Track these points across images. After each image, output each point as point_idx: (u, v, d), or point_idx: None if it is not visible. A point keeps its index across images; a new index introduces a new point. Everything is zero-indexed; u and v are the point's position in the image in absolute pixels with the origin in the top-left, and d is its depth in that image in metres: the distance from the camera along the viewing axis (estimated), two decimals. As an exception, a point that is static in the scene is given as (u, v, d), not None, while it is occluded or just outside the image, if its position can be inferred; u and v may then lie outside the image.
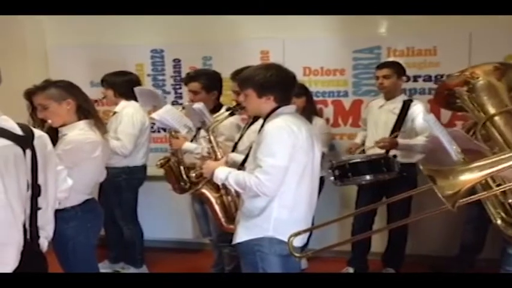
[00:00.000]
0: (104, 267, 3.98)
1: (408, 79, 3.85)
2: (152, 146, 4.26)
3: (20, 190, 1.66)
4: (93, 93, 3.57)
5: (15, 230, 1.66)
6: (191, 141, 3.42)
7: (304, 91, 3.73)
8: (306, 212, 2.44)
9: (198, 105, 3.11)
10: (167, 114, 3.23)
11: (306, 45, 4.12)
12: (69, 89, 2.65)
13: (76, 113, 2.64)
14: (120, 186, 3.78)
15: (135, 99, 3.71)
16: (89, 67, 4.42)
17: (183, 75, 4.28)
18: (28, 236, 1.71)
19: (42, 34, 4.48)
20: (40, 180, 1.76)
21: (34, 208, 1.73)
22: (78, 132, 2.60)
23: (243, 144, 2.82)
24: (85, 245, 2.68)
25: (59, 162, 2.00)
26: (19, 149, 1.66)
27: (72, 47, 4.47)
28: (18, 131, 1.70)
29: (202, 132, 3.34)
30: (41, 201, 1.76)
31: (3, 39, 3.70)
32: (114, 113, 3.75)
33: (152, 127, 4.12)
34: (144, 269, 4.06)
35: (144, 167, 3.92)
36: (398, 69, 3.65)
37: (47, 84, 2.63)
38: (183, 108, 3.45)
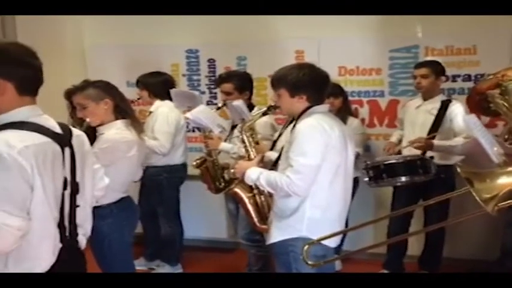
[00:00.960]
0: (140, 265, 4.03)
1: (447, 79, 3.75)
2: (188, 145, 4.26)
3: (56, 187, 1.69)
4: (129, 93, 3.62)
5: (51, 226, 1.70)
6: (225, 140, 3.44)
7: (340, 91, 3.70)
8: (339, 212, 2.42)
9: (238, 103, 3.15)
10: (201, 113, 3.26)
11: (341, 44, 4.07)
12: (106, 89, 2.70)
13: (113, 113, 2.69)
14: (162, 185, 3.83)
15: (170, 99, 3.76)
16: (125, 67, 4.49)
17: (218, 75, 4.30)
18: (67, 233, 1.74)
19: (81, 34, 4.58)
20: (78, 178, 1.79)
21: (73, 206, 1.76)
22: (115, 131, 2.65)
23: (281, 143, 2.82)
24: (120, 242, 2.72)
25: (96, 161, 2.04)
26: (57, 147, 1.69)
27: (109, 47, 4.55)
28: (57, 129, 1.73)
29: (236, 132, 3.37)
30: (79, 199, 1.79)
31: (42, 39, 3.80)
32: (150, 112, 3.81)
33: (187, 127, 4.15)
34: (178, 268, 4.09)
35: (184, 165, 3.95)
36: (436, 69, 3.57)
37: (86, 85, 2.69)
38: (218, 108, 3.48)
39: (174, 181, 3.92)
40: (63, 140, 1.73)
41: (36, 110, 1.71)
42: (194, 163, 3.59)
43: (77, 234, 1.79)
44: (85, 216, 1.86)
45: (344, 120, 3.29)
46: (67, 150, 1.74)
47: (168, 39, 4.39)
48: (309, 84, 2.36)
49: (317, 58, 3.91)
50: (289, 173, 2.24)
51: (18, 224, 1.54)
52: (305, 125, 2.30)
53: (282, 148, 2.48)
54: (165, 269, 4.04)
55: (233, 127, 3.51)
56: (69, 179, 1.74)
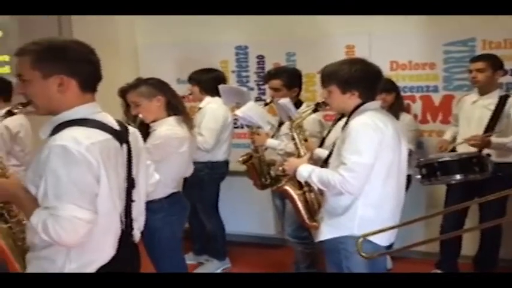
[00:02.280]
0: (189, 259, 4.07)
1: (505, 73, 3.59)
2: (235, 141, 4.29)
3: (119, 182, 1.74)
4: (180, 90, 3.64)
5: (115, 220, 1.75)
6: (272, 137, 3.43)
7: (393, 86, 3.62)
8: (392, 210, 2.37)
9: (284, 101, 3.13)
10: (250, 111, 3.27)
11: (393, 38, 3.98)
12: (159, 86, 2.75)
13: (165, 109, 2.74)
14: (203, 181, 3.85)
15: (220, 96, 3.78)
16: (175, 64, 4.54)
17: (267, 71, 4.29)
18: (123, 227, 1.78)
19: (133, 33, 4.68)
20: (133, 174, 1.82)
21: (129, 200, 1.80)
22: (167, 127, 2.70)
23: (330, 140, 2.79)
24: (170, 237, 2.76)
25: (148, 157, 2.08)
26: (117, 143, 1.73)
27: (161, 45, 4.62)
28: (116, 126, 1.78)
29: (283, 129, 3.36)
30: (134, 194, 1.83)
31: (97, 39, 3.91)
32: (199, 108, 3.85)
33: (235, 123, 4.17)
34: (226, 262, 4.13)
35: (226, 162, 3.97)
36: (494, 63, 3.42)
37: (138, 82, 2.75)
38: (266, 104, 3.48)
39: (215, 177, 3.94)
40: (122, 136, 1.77)
41: (97, 107, 1.76)
42: (240, 159, 3.60)
43: (132, 228, 1.83)
44: (139, 211, 1.90)
45: (396, 117, 3.21)
46: (124, 146, 1.78)
47: (218, 37, 4.42)
48: (361, 80, 2.32)
49: (368, 53, 3.83)
50: (342, 171, 2.21)
51: (87, 217, 1.58)
52: (358, 122, 2.26)
53: (333, 145, 2.45)
54: (213, 263, 4.07)
55: (280, 124, 3.49)
56: (125, 174, 1.78)
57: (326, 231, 2.38)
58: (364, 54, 3.42)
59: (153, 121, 2.73)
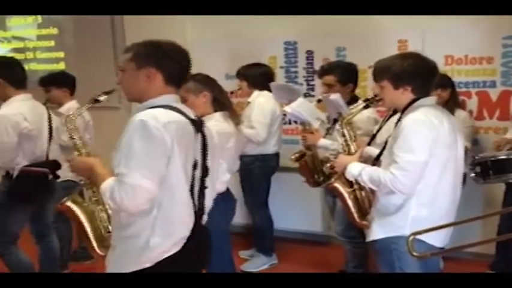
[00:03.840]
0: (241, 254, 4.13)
1: None
2: (284, 137, 4.28)
3: (188, 164, 1.87)
4: (228, 85, 3.68)
5: (186, 194, 1.88)
6: (325, 134, 3.38)
7: (448, 82, 3.49)
8: (447, 210, 2.29)
9: (335, 96, 3.08)
10: (300, 107, 3.24)
11: (448, 32, 3.82)
12: (205, 81, 2.76)
13: (212, 105, 2.75)
14: (254, 174, 3.87)
15: (268, 90, 3.79)
16: (224, 60, 4.56)
17: (316, 67, 4.24)
18: (196, 209, 1.92)
19: (184, 29, 4.72)
20: (208, 163, 1.97)
21: (202, 186, 1.94)
22: (214, 123, 2.69)
23: (381, 137, 2.72)
24: (218, 231, 2.72)
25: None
26: (192, 129, 1.89)
27: (209, 41, 4.64)
28: (192, 116, 1.94)
29: (338, 126, 3.30)
30: (207, 181, 1.97)
31: (147, 36, 3.98)
32: (248, 103, 3.87)
33: (284, 118, 4.15)
34: (273, 259, 4.11)
35: (276, 155, 3.98)
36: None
37: (186, 78, 2.76)
38: (319, 101, 3.43)
39: (266, 170, 3.95)
40: (197, 125, 1.92)
41: (177, 98, 1.96)
42: (293, 156, 3.57)
43: (203, 213, 1.96)
44: (209, 199, 2.03)
45: (451, 113, 3.09)
46: (199, 135, 1.93)
47: (266, 32, 4.39)
48: (415, 75, 2.25)
49: (421, 47, 3.70)
50: (394, 170, 2.15)
51: (149, 186, 1.71)
52: (411, 119, 2.19)
53: (385, 143, 2.39)
54: (260, 259, 4.06)
55: (335, 120, 3.44)
56: (200, 162, 1.92)
57: (377, 231, 2.33)
58: (417, 49, 3.31)
59: (200, 117, 2.73)
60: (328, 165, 2.76)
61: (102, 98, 2.01)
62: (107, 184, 1.75)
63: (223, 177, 2.36)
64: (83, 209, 2.13)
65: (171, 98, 1.91)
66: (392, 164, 2.17)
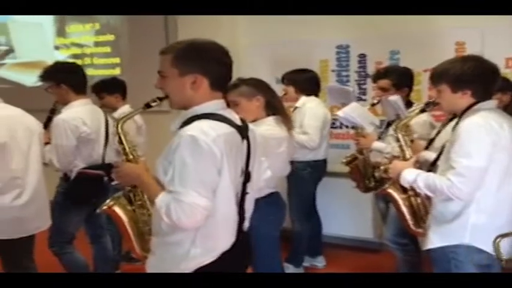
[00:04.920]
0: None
1: None
2: (333, 142, 4.25)
3: (236, 174, 1.83)
4: (279, 89, 3.67)
5: (234, 209, 1.85)
6: (378, 138, 3.32)
7: (509, 85, 3.35)
8: (509, 218, 2.19)
9: (394, 98, 3.03)
10: (353, 111, 3.20)
11: (508, 33, 3.68)
12: (258, 86, 2.76)
13: (265, 109, 2.74)
14: (304, 180, 3.84)
15: (315, 95, 3.78)
16: (273, 64, 4.56)
17: (368, 70, 4.19)
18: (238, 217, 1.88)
19: (235, 33, 4.76)
20: (250, 168, 1.92)
21: (244, 193, 1.89)
22: (266, 127, 2.69)
23: (440, 142, 2.65)
24: (266, 236, 2.74)
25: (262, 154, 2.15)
26: (239, 137, 1.84)
27: (260, 45, 4.65)
28: (238, 122, 1.89)
29: (391, 130, 3.23)
30: (248, 187, 1.91)
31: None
32: (295, 108, 3.83)
33: (334, 123, 4.11)
34: (301, 270, 4.01)
35: (325, 161, 3.95)
36: None
37: (239, 82, 2.77)
38: (373, 105, 3.38)
39: (315, 176, 3.92)
40: (243, 132, 1.87)
41: (223, 104, 1.89)
42: (344, 160, 3.53)
43: (244, 219, 1.92)
44: (250, 203, 1.98)
45: (512, 117, 2.96)
46: (245, 141, 1.88)
47: (319, 35, 4.35)
48: (475, 78, 2.18)
49: (480, 50, 3.56)
50: (451, 176, 2.08)
51: (205, 204, 1.70)
52: (469, 122, 2.12)
53: (442, 148, 2.31)
54: (288, 270, 3.89)
55: (388, 124, 3.37)
56: (243, 168, 1.88)
57: (434, 239, 2.26)
58: (475, 51, 3.19)
59: (253, 121, 2.74)
60: (382, 169, 2.71)
61: (153, 104, 1.99)
62: (162, 200, 1.73)
63: (264, 175, 2.32)
64: (125, 211, 2.14)
65: (218, 105, 1.84)
66: (450, 170, 2.11)
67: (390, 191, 2.57)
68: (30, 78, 6.06)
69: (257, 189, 2.06)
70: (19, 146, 2.77)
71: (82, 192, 3.24)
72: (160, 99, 1.92)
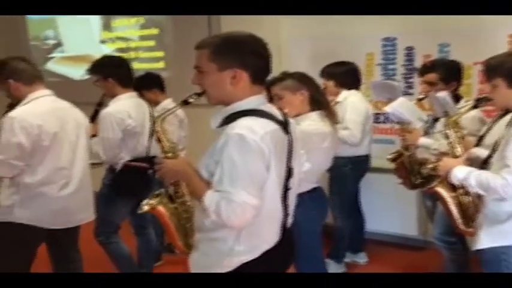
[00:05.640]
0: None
1: None
2: (378, 137, 4.17)
3: (282, 171, 1.81)
4: (322, 84, 3.62)
5: (278, 207, 1.82)
6: (425, 134, 3.24)
7: None
8: None
9: (443, 94, 2.94)
10: (401, 107, 3.13)
11: None
12: (303, 80, 2.74)
13: (309, 104, 2.72)
14: (345, 176, 3.78)
15: (356, 89, 3.72)
16: (317, 58, 4.48)
17: (416, 64, 4.07)
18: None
19: (277, 28, 4.73)
20: (291, 164, 1.88)
21: (286, 188, 1.86)
22: (310, 122, 2.67)
23: (491, 139, 2.55)
24: (309, 232, 2.72)
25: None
26: (283, 134, 1.81)
27: (304, 39, 4.60)
28: (280, 117, 1.85)
29: (438, 126, 3.15)
30: (290, 182, 1.88)
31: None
32: (336, 102, 3.76)
33: (378, 118, 4.02)
34: (342, 267, 3.95)
35: (367, 157, 3.88)
36: None
37: (284, 76, 2.76)
38: (419, 100, 3.29)
39: (357, 173, 3.86)
40: (286, 127, 1.84)
41: (264, 99, 1.85)
42: (389, 156, 3.46)
43: (288, 215, 1.89)
44: (292, 198, 1.95)
45: None
46: (287, 136, 1.84)
47: (364, 28, 4.26)
48: None
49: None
50: (506, 174, 2.02)
51: (255, 203, 1.68)
52: None
53: (494, 145, 2.23)
54: (330, 265, 3.82)
55: (435, 120, 3.28)
56: (286, 163, 1.85)
57: (485, 240, 2.20)
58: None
59: (296, 115, 2.71)
60: (430, 167, 2.63)
61: (191, 100, 1.96)
62: (211, 199, 1.71)
63: (303, 167, 2.27)
64: (167, 208, 2.14)
65: (259, 100, 1.81)
66: (504, 169, 2.04)
67: (439, 189, 2.50)
68: (78, 72, 6.22)
69: (298, 182, 2.02)
70: (68, 137, 2.84)
71: (127, 184, 3.30)
72: (199, 94, 1.89)
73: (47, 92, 2.86)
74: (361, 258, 4.12)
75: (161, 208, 2.12)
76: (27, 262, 2.87)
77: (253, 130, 1.68)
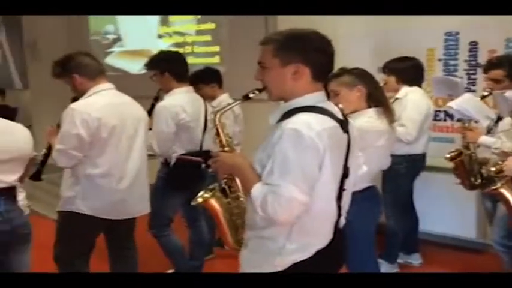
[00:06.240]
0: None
1: None
2: (436, 135, 4.05)
3: (338, 170, 1.78)
4: (379, 80, 3.52)
5: (332, 205, 1.79)
6: (488, 133, 3.11)
7: None
8: None
9: (510, 93, 2.81)
10: (466, 103, 3.02)
11: None
12: (360, 76, 2.68)
13: (366, 101, 2.66)
14: (400, 174, 3.67)
15: (418, 85, 3.61)
16: (376, 53, 4.39)
17: (480, 59, 3.91)
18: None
19: (334, 24, 4.65)
20: (348, 163, 1.85)
21: (341, 188, 1.83)
22: (366, 119, 2.62)
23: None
24: (362, 232, 2.67)
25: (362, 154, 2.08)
26: (341, 132, 1.78)
27: (361, 35, 4.51)
28: (340, 115, 1.82)
29: (502, 125, 3.02)
30: (346, 182, 1.85)
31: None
32: (396, 99, 3.66)
33: (437, 115, 3.89)
34: (395, 267, 3.84)
35: (423, 156, 3.76)
36: None
37: (341, 72, 2.70)
38: (483, 97, 3.16)
39: (412, 171, 3.75)
40: (344, 125, 1.81)
41: (324, 96, 1.82)
42: (448, 155, 3.35)
43: (340, 215, 1.85)
44: (346, 200, 1.91)
45: None
46: (345, 136, 1.81)
47: (425, 22, 4.11)
48: None
49: None
50: None
51: (304, 199, 1.66)
52: None
53: None
54: (382, 267, 3.70)
55: (498, 119, 3.14)
56: (343, 163, 1.82)
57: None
58: None
59: (352, 112, 2.66)
60: (493, 169, 2.52)
61: (252, 95, 1.97)
62: (259, 191, 1.70)
63: (360, 170, 2.26)
64: (220, 203, 2.14)
65: (319, 97, 1.79)
66: None
67: (502, 190, 2.39)
68: (136, 66, 6.38)
69: (353, 183, 1.97)
70: (127, 131, 2.89)
71: (181, 178, 3.34)
72: (260, 90, 1.88)
73: (108, 85, 2.93)
74: (415, 260, 4.01)
75: (214, 202, 2.12)
76: (86, 251, 2.98)
77: (310, 126, 1.65)
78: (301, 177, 1.64)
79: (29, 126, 2.81)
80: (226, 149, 2.06)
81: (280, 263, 1.76)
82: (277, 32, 1.84)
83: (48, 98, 6.90)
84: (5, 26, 8.65)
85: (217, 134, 2.08)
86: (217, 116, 2.08)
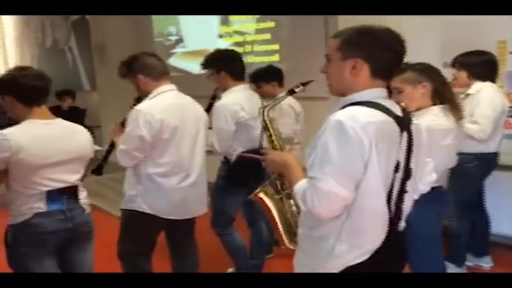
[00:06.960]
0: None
1: None
2: (509, 132, 3.84)
3: (388, 166, 1.71)
4: (446, 75, 3.37)
5: (382, 203, 1.72)
6: None
7: None
8: None
9: None
10: None
11: None
12: (425, 71, 2.59)
13: (431, 98, 2.56)
14: (470, 173, 3.52)
15: (492, 81, 3.46)
16: (441, 47, 4.23)
17: None
18: (391, 215, 1.76)
19: (399, 20, 4.50)
20: (411, 165, 1.79)
21: (402, 190, 1.77)
22: (431, 117, 2.52)
23: None
24: (426, 233, 2.59)
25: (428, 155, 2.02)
26: (397, 128, 1.72)
27: (427, 27, 4.34)
28: (399, 112, 1.76)
29: None
30: (408, 185, 1.79)
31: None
32: (467, 95, 3.51)
33: (510, 111, 3.71)
34: (463, 269, 3.68)
35: (495, 154, 3.60)
36: None
37: (404, 68, 2.61)
38: None
39: (483, 171, 3.60)
40: (403, 123, 1.74)
41: (383, 93, 1.77)
42: None
43: (399, 219, 1.79)
44: (408, 203, 1.85)
45: None
46: (405, 134, 1.74)
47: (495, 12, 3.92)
48: None
49: None
50: None
51: (344, 194, 1.62)
52: None
53: None
54: (449, 270, 3.54)
55: None
56: (403, 163, 1.75)
57: None
58: None
59: (417, 110, 2.56)
60: None
61: (297, 89, 1.94)
62: (300, 186, 1.70)
63: (429, 177, 2.18)
64: (274, 201, 2.12)
65: (377, 93, 1.74)
66: None
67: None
68: (197, 66, 6.47)
69: (415, 189, 1.91)
70: (188, 131, 2.94)
71: (241, 176, 3.36)
72: (304, 84, 1.88)
73: (171, 87, 2.98)
74: (486, 263, 3.84)
75: (264, 197, 2.12)
76: (147, 249, 3.05)
77: (355, 118, 1.61)
78: (341, 171, 1.61)
79: (98, 127, 2.91)
80: (276, 144, 2.08)
81: (332, 266, 1.72)
82: (350, 26, 1.81)
83: (116, 99, 7.15)
84: (74, 32, 9.07)
85: (266, 129, 2.09)
86: (265, 111, 2.08)
